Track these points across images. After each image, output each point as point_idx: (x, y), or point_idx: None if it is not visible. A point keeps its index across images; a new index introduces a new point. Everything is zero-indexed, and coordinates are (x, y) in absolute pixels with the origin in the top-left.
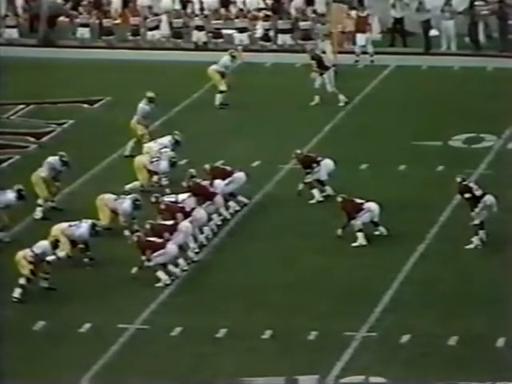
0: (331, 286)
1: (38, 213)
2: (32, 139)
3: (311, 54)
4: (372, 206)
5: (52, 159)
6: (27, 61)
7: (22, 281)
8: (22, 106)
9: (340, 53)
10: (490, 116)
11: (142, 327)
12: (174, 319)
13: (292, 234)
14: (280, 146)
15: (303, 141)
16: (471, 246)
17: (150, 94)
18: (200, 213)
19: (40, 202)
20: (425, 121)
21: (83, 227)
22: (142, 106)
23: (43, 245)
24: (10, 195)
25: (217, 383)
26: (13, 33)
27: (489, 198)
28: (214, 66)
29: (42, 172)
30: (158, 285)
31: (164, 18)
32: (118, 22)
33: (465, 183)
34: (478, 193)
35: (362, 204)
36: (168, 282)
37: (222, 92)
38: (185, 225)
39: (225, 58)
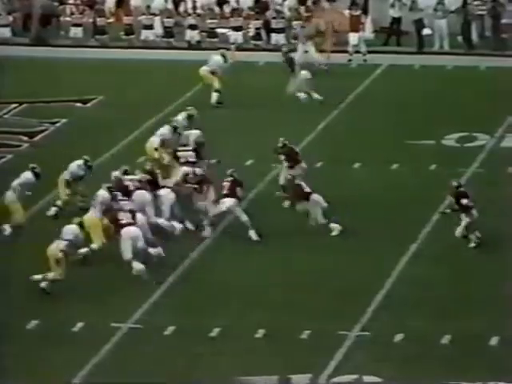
0: (324, 286)
1: (52, 212)
2: (25, 138)
3: (284, 56)
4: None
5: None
6: (20, 60)
7: (50, 275)
8: (14, 105)
9: (333, 52)
10: (483, 115)
11: (136, 326)
12: (168, 318)
13: (285, 233)
14: (273, 145)
15: (296, 140)
16: (472, 244)
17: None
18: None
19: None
20: (417, 120)
21: None
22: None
23: (72, 229)
24: (28, 175)
25: (210, 383)
26: (6, 32)
27: (475, 213)
28: (205, 67)
29: (66, 175)
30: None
31: (157, 17)
32: (111, 21)
33: (462, 189)
34: (470, 203)
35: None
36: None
37: (217, 91)
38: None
39: (216, 58)
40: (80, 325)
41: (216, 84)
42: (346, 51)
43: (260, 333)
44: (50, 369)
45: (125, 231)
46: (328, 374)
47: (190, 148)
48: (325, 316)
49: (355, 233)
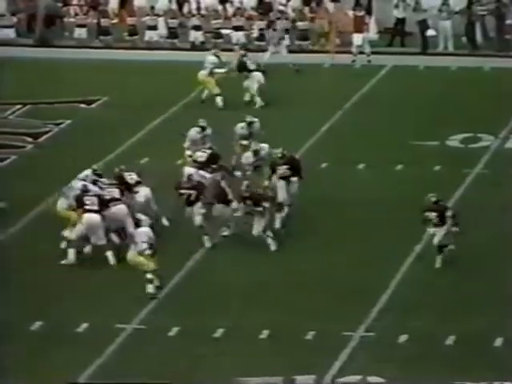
0: (329, 286)
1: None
2: (29, 139)
3: (239, 60)
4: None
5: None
6: (24, 61)
7: (149, 275)
8: (19, 106)
9: (337, 53)
10: (487, 116)
11: (139, 327)
12: (172, 319)
13: (288, 233)
14: (277, 146)
15: (300, 141)
16: (438, 262)
17: (202, 124)
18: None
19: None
20: (422, 121)
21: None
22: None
23: (145, 231)
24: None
25: (214, 383)
26: (10, 33)
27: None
28: (202, 72)
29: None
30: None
31: (161, 18)
32: (115, 21)
33: (442, 203)
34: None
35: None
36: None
37: (218, 95)
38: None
39: (210, 58)
40: (84, 325)
41: (215, 90)
42: (350, 52)
43: (264, 333)
44: (53, 369)
45: (86, 217)
46: (332, 375)
47: (206, 151)
48: (329, 317)
49: (359, 233)
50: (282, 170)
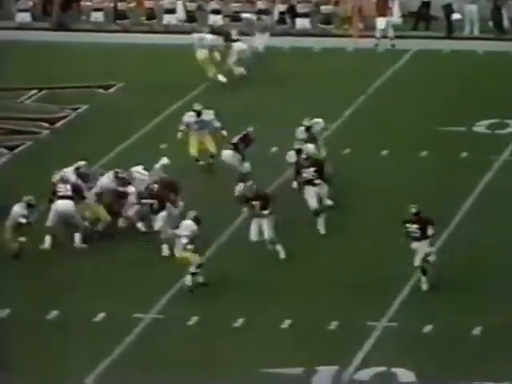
0: (352, 276)
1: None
2: (45, 125)
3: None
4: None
5: None
6: (40, 45)
7: (192, 269)
8: (35, 91)
9: (360, 37)
10: None
11: (158, 317)
12: (190, 309)
13: (309, 223)
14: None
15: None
16: (424, 285)
17: (197, 107)
18: None
19: None
20: (447, 106)
21: None
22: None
23: (188, 225)
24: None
25: (234, 374)
26: (26, 17)
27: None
28: (202, 50)
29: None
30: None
31: (179, 1)
32: (132, 5)
33: (421, 215)
34: (430, 232)
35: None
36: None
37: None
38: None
39: (208, 37)
40: (101, 315)
41: (211, 72)
42: (373, 36)
43: (286, 323)
44: (71, 359)
45: (58, 203)
46: (356, 365)
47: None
48: (352, 307)
49: (383, 221)
50: (307, 172)
